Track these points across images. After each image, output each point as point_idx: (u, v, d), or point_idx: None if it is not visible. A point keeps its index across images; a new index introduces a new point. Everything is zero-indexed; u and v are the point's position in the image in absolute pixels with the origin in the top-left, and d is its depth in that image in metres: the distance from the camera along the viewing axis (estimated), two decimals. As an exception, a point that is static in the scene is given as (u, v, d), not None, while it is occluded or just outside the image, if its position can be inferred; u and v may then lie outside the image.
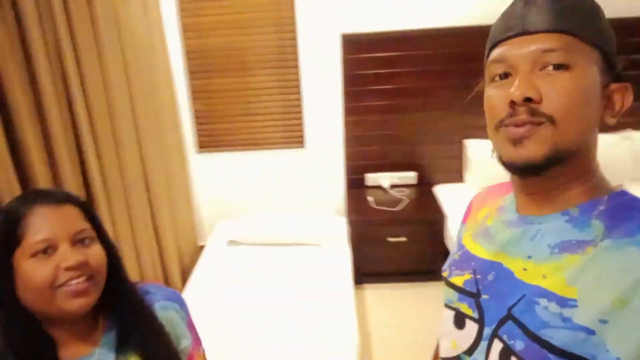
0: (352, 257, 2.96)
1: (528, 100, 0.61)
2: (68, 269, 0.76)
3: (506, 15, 0.67)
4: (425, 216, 2.97)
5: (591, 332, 0.55)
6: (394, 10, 3.00)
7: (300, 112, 3.21)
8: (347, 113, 3.19)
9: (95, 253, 0.81)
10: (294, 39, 3.03)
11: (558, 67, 0.61)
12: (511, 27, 0.65)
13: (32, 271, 0.74)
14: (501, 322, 0.64)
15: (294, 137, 3.28)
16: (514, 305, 0.62)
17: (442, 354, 0.75)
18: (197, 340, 0.96)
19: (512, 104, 0.62)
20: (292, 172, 3.35)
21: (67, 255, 0.76)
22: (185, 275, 2.86)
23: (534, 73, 0.62)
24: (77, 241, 0.79)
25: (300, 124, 3.23)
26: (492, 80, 0.68)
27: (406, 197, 3.17)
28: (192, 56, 3.12)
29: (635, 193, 0.67)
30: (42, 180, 1.69)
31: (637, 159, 3.04)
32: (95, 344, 0.82)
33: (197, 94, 3.20)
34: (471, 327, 0.69)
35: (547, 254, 0.62)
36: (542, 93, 0.61)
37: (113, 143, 2.18)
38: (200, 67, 3.14)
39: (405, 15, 3.01)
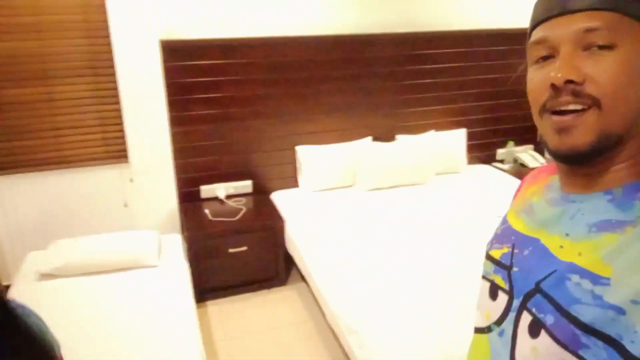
0: (191, 274, 2.80)
1: (570, 82, 0.59)
2: None
3: None
4: (265, 223, 2.96)
5: (622, 311, 0.54)
6: (217, 18, 2.95)
7: (120, 124, 2.93)
8: (174, 123, 3.02)
9: None
10: (108, 44, 2.76)
11: (602, 47, 0.58)
12: (552, 7, 0.62)
13: None
14: (529, 295, 0.64)
15: (115, 152, 2.98)
16: (543, 279, 0.62)
17: (476, 324, 0.75)
18: None
19: (554, 87, 0.60)
20: (116, 191, 3.03)
21: None
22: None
23: (576, 54, 0.59)
24: None
25: (122, 137, 2.95)
26: (534, 62, 0.65)
27: (244, 206, 3.13)
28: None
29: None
30: None
31: None
32: None
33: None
34: (502, 299, 0.69)
35: (585, 232, 0.61)
36: (585, 75, 0.58)
37: None
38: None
39: (229, 24, 2.99)
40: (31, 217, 2.90)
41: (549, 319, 0.60)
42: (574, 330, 0.56)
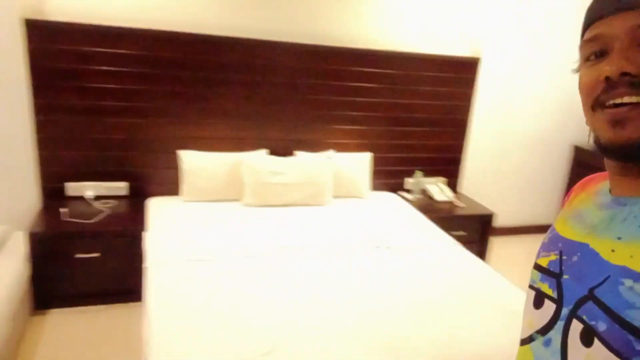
0: (32, 278, 2.53)
1: (625, 75, 0.58)
2: None
3: None
4: (125, 229, 2.71)
5: None
6: (96, 2, 2.72)
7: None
8: (39, 111, 2.76)
9: None
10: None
11: None
12: (607, 5, 0.63)
13: None
14: (580, 302, 0.62)
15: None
16: (596, 286, 0.61)
17: (521, 335, 0.74)
18: None
19: (608, 80, 0.60)
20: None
21: None
22: None
23: (631, 49, 0.59)
24: None
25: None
26: (587, 59, 0.65)
27: (110, 209, 2.87)
28: None
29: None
30: None
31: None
32: None
33: None
34: (548, 307, 0.68)
35: (637, 235, 0.59)
36: None
37: None
38: None
39: (110, 9, 2.76)
40: None
41: (601, 326, 0.58)
42: (627, 336, 0.55)
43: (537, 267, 0.76)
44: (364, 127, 3.48)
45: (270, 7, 3.11)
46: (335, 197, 3.36)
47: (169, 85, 2.96)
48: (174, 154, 3.08)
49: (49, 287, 2.65)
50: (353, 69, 3.31)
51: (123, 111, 2.91)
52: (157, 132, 3.02)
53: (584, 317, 0.62)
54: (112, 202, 2.98)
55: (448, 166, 3.78)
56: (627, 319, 0.56)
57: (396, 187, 3.69)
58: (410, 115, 3.56)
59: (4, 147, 2.76)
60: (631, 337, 0.55)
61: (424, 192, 3.69)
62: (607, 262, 0.62)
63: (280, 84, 3.18)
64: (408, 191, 3.69)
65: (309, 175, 3.19)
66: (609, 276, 0.60)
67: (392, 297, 2.17)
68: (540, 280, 0.73)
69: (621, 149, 0.61)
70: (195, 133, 3.11)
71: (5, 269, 2.40)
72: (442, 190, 3.68)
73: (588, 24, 0.67)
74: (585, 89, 0.66)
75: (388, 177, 3.65)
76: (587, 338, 0.61)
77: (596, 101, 0.63)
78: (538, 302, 0.72)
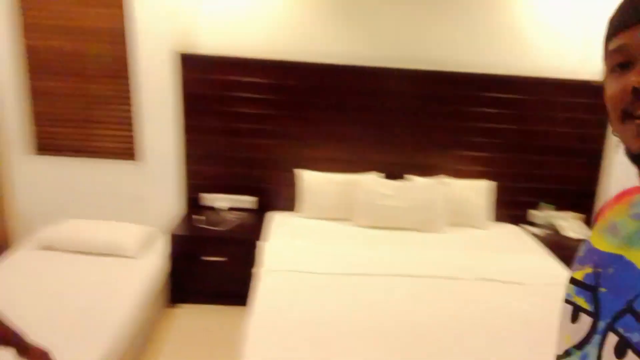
0: (170, 274, 2.97)
1: None
2: None
3: (624, 4, 0.65)
4: (248, 238, 2.99)
5: None
6: (234, 37, 3.14)
7: (130, 125, 3.21)
8: (188, 131, 3.24)
9: None
10: (125, 50, 3.08)
11: None
12: (629, 15, 0.63)
13: None
14: (618, 316, 0.61)
15: (124, 149, 3.27)
16: (634, 298, 0.60)
17: (558, 350, 0.74)
18: None
19: (635, 91, 0.60)
20: (131, 185, 3.32)
21: None
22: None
23: None
24: None
25: (131, 137, 3.24)
26: (612, 70, 0.66)
27: (238, 220, 3.21)
28: (33, 56, 3.10)
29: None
30: None
31: (452, 203, 3.24)
32: None
33: (37, 95, 3.16)
34: (585, 321, 0.67)
35: None
36: None
37: None
38: (41, 69, 3.12)
39: (244, 44, 3.15)
40: (56, 195, 3.31)
41: (635, 337, 0.57)
42: None
43: (573, 281, 0.74)
44: (484, 154, 3.36)
45: (386, 35, 3.23)
46: (451, 225, 3.29)
47: (292, 110, 3.24)
48: (294, 172, 3.33)
49: (182, 284, 3.06)
50: (472, 93, 3.24)
51: (254, 133, 3.26)
52: (281, 152, 3.31)
53: (620, 330, 0.60)
54: (241, 214, 3.32)
55: (578, 199, 3.44)
56: None
57: (518, 219, 3.47)
58: (536, 143, 3.34)
59: (160, 161, 3.28)
60: None
61: (552, 226, 3.40)
62: None
63: (395, 109, 3.26)
64: (533, 224, 3.44)
65: (421, 200, 3.19)
66: None
67: (493, 338, 2.06)
68: (577, 294, 0.72)
69: None
70: (314, 154, 3.33)
71: (150, 264, 2.85)
72: (574, 226, 3.35)
73: (611, 34, 0.66)
74: (611, 101, 0.65)
75: (510, 208, 3.46)
76: (621, 350, 0.60)
77: (624, 112, 0.63)
78: (574, 317, 0.71)
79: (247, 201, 3.40)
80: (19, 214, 3.25)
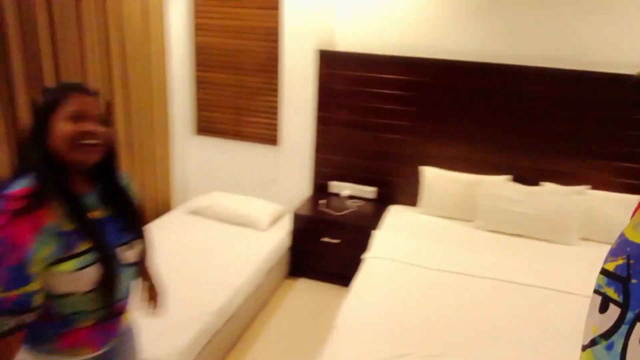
0: (291, 249, 3.28)
1: None
2: (89, 132, 1.14)
3: None
4: (360, 225, 3.14)
5: None
6: (367, 35, 3.27)
7: (275, 114, 3.58)
8: (320, 122, 3.49)
9: (108, 132, 1.21)
10: (277, 47, 3.42)
11: None
12: None
13: (64, 128, 1.12)
14: None
15: (272, 135, 3.65)
16: None
17: (583, 340, 0.75)
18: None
19: None
20: (269, 167, 3.72)
21: (92, 125, 1.16)
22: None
23: None
24: (100, 121, 1.18)
25: (275, 125, 3.60)
26: None
27: (357, 208, 3.38)
28: (200, 51, 3.66)
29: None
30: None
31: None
32: (89, 191, 1.23)
33: (201, 84, 3.73)
34: (613, 311, 0.68)
35: None
36: None
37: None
38: (205, 61, 3.67)
39: (378, 41, 3.27)
40: (209, 170, 3.86)
41: None
42: None
43: (604, 272, 0.74)
44: (635, 165, 2.97)
45: (522, 32, 3.04)
46: (584, 239, 2.99)
47: (420, 107, 3.26)
48: (418, 168, 3.36)
49: (300, 260, 3.34)
50: (626, 98, 2.88)
51: (382, 127, 3.37)
52: (406, 147, 3.36)
53: None
54: (361, 203, 3.48)
55: None
56: None
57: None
58: None
59: (295, 148, 3.60)
60: None
61: None
62: None
63: (531, 111, 3.06)
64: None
65: (552, 208, 2.96)
66: None
67: None
68: (607, 284, 0.72)
69: None
70: (440, 152, 3.31)
71: (276, 237, 3.19)
72: None
73: None
74: None
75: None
76: None
77: None
78: (603, 307, 0.71)
79: (368, 191, 3.54)
80: (179, 184, 3.88)
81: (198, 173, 3.92)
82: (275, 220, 3.40)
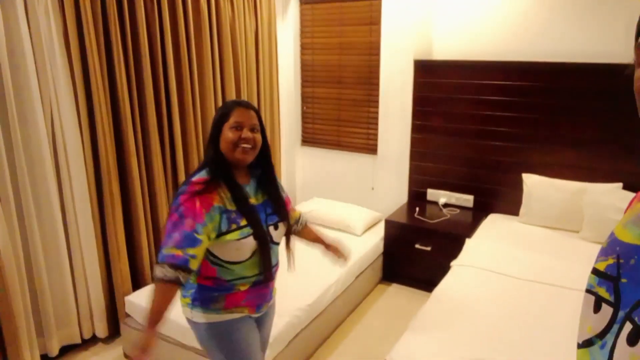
0: (383, 254, 3.38)
1: None
2: (244, 138, 1.52)
3: None
4: (454, 233, 3.12)
5: None
6: (462, 42, 3.27)
7: (377, 124, 3.72)
8: (415, 130, 3.56)
9: (259, 138, 1.57)
10: (378, 60, 3.58)
11: None
12: None
13: (228, 135, 1.51)
14: (637, 305, 0.62)
15: (370, 145, 3.80)
16: None
17: (578, 339, 0.75)
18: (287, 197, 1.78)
19: None
20: (367, 175, 3.87)
21: (247, 132, 1.52)
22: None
23: None
24: (253, 129, 1.54)
25: (376, 134, 3.74)
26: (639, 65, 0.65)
27: (452, 216, 3.36)
28: (305, 69, 3.97)
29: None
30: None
31: None
32: (247, 183, 1.62)
33: (305, 99, 4.04)
34: (606, 311, 0.68)
35: None
36: None
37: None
38: (309, 77, 3.97)
39: (473, 47, 3.25)
40: (313, 178, 4.14)
41: None
42: None
43: (595, 271, 0.75)
44: None
45: (625, 28, 2.78)
46: None
47: (520, 112, 3.15)
48: (518, 176, 3.24)
49: (394, 265, 3.41)
50: None
51: (477, 133, 3.33)
52: (506, 154, 3.27)
53: (636, 319, 0.61)
54: (458, 211, 3.45)
55: None
56: None
57: None
58: None
59: (393, 156, 3.71)
60: None
61: None
62: None
63: (650, 112, 2.79)
64: None
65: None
66: None
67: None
68: (598, 284, 0.73)
69: None
70: (542, 159, 3.16)
71: (369, 242, 3.32)
72: None
73: None
74: (639, 93, 0.65)
75: None
76: (632, 338, 0.60)
77: None
78: (596, 307, 0.72)
79: (464, 199, 3.49)
80: (286, 190, 4.21)
81: (302, 181, 4.22)
82: (370, 226, 3.53)
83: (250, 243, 1.51)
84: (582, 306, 0.76)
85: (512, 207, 3.32)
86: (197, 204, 1.43)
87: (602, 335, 0.68)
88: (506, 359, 1.85)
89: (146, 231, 2.79)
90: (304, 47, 3.94)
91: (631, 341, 0.61)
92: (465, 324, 2.10)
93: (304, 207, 3.71)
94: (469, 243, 2.97)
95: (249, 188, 1.59)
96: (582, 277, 2.37)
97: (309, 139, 4.14)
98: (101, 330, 2.68)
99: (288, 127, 4.11)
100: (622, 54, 2.84)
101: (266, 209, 1.61)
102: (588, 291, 0.75)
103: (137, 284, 2.77)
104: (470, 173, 3.44)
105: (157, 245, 2.85)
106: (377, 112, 3.72)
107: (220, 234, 1.47)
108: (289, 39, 3.90)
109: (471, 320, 2.12)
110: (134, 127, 2.67)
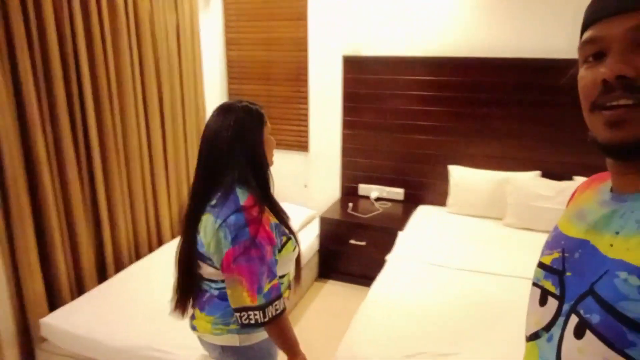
0: (318, 251, 3.35)
1: (621, 78, 0.59)
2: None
3: None
4: (386, 226, 3.16)
5: None
6: (391, 38, 3.31)
7: (307, 121, 3.68)
8: (345, 126, 3.56)
9: None
10: (306, 57, 3.54)
11: None
12: (605, 7, 0.63)
13: (271, 141, 1.49)
14: (581, 298, 0.63)
15: (302, 142, 3.76)
16: (596, 281, 0.61)
17: (526, 332, 0.77)
18: None
19: (605, 82, 0.61)
20: (300, 173, 3.82)
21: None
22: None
23: (629, 51, 0.59)
24: None
25: (307, 131, 3.70)
26: (585, 61, 0.66)
27: (384, 210, 3.40)
28: (231, 65, 3.84)
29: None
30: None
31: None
32: None
33: (232, 97, 3.91)
34: (551, 304, 0.69)
35: (634, 229, 0.59)
36: (637, 69, 0.59)
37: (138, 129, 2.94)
38: (236, 74, 3.85)
39: (402, 43, 3.29)
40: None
41: (595, 318, 0.59)
42: (620, 327, 0.56)
43: (541, 265, 0.77)
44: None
45: (549, 24, 2.95)
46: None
47: (445, 106, 3.25)
48: (446, 168, 3.34)
49: (330, 262, 3.40)
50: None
51: (406, 128, 3.39)
52: (433, 147, 3.36)
53: (581, 312, 0.62)
54: (389, 204, 3.50)
55: None
56: (621, 311, 0.55)
57: None
58: None
59: (324, 153, 3.69)
60: (625, 328, 0.55)
61: None
62: (605, 257, 0.62)
63: (560, 104, 2.97)
64: None
65: (585, 204, 2.84)
66: (607, 270, 0.60)
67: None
68: (544, 278, 0.74)
69: (618, 149, 0.63)
70: (466, 150, 3.28)
71: (306, 240, 3.27)
72: None
73: (587, 25, 0.66)
74: (583, 91, 0.66)
75: None
76: (579, 331, 0.61)
77: (594, 103, 0.63)
78: (542, 300, 0.73)
79: (395, 192, 3.55)
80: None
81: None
82: (305, 224, 3.49)
83: (297, 251, 1.51)
84: (528, 299, 0.77)
85: (440, 198, 3.42)
86: (267, 228, 1.34)
87: (548, 328, 0.69)
88: (451, 349, 1.89)
89: (62, 246, 2.56)
90: (229, 43, 3.80)
91: (578, 334, 0.61)
92: (407, 318, 2.12)
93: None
94: (401, 236, 3.01)
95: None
96: (511, 263, 2.50)
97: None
98: (12, 358, 2.42)
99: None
100: (540, 49, 3.00)
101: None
102: (534, 285, 0.76)
103: (53, 305, 2.53)
104: (400, 167, 3.50)
105: (76, 260, 2.64)
106: (307, 109, 3.68)
107: (279, 250, 1.40)
108: (214, 34, 3.75)
109: (412, 314, 2.15)
110: (44, 134, 2.43)
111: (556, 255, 0.73)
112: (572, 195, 0.85)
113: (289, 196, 3.87)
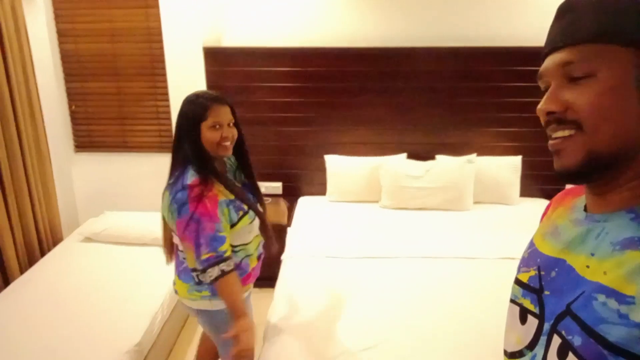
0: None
1: (552, 113, 0.65)
2: (225, 137, 1.61)
3: (549, 31, 0.70)
4: (275, 223, 3.09)
5: None
6: (255, 28, 3.18)
7: (169, 119, 3.36)
8: (214, 122, 3.34)
9: (235, 131, 1.67)
10: (161, 48, 3.20)
11: (583, 77, 0.63)
12: (546, 45, 0.69)
13: (208, 135, 1.58)
14: (559, 318, 0.64)
15: (164, 142, 3.42)
16: (573, 301, 0.62)
17: (508, 348, 0.77)
18: None
19: (543, 117, 0.68)
20: (159, 175, 3.47)
21: (226, 130, 1.61)
22: (32, 261, 2.96)
23: (563, 85, 0.65)
24: (229, 124, 1.64)
25: (169, 130, 3.38)
26: (544, 92, 0.71)
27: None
28: (68, 60, 3.28)
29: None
30: None
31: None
32: (226, 170, 1.78)
33: (73, 96, 3.36)
34: (532, 323, 0.70)
35: (609, 251, 0.61)
36: (566, 103, 0.64)
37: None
38: (75, 70, 3.30)
39: (267, 33, 3.19)
40: (97, 189, 3.52)
41: (577, 340, 0.59)
42: (601, 350, 0.56)
43: (518, 282, 0.78)
44: (513, 129, 3.28)
45: (408, 14, 3.17)
46: (478, 202, 3.26)
47: (316, 97, 3.27)
48: (321, 158, 3.38)
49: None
50: (499, 68, 3.16)
51: (279, 121, 3.33)
52: (307, 138, 3.36)
53: (563, 332, 0.63)
54: (269, 200, 3.42)
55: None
56: (601, 334, 0.57)
57: (551, 193, 3.37)
58: (570, 116, 3.21)
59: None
60: (605, 351, 0.56)
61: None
62: (582, 278, 0.63)
63: (421, 89, 3.23)
64: (567, 199, 3.33)
65: (448, 179, 3.16)
66: (584, 291, 0.61)
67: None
68: (522, 296, 0.75)
69: (565, 175, 0.67)
70: (340, 139, 3.36)
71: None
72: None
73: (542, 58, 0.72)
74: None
75: (541, 182, 3.37)
76: (562, 352, 0.62)
77: (546, 133, 0.69)
78: (522, 318, 0.74)
79: (273, 187, 3.49)
80: (63, 209, 3.48)
81: (84, 194, 3.56)
82: (182, 232, 3.21)
83: (257, 223, 1.73)
84: (507, 315, 0.79)
85: (319, 188, 3.46)
86: (208, 205, 1.52)
87: (531, 346, 0.70)
88: (372, 344, 1.91)
89: None
90: (62, 35, 3.23)
91: (561, 355, 0.62)
92: (318, 317, 2.09)
93: (94, 225, 3.12)
94: (290, 232, 2.98)
95: (229, 175, 1.75)
96: (394, 245, 2.63)
97: (85, 143, 3.48)
98: None
99: (55, 132, 3.36)
100: (401, 38, 3.19)
101: (247, 189, 1.78)
102: (512, 301, 0.78)
103: None
104: (276, 160, 3.44)
105: None
106: (167, 106, 3.35)
107: (233, 224, 1.62)
108: (42, 25, 3.14)
109: (323, 312, 2.13)
110: None
111: (532, 272, 0.74)
112: (546, 209, 0.87)
113: (157, 204, 3.49)
